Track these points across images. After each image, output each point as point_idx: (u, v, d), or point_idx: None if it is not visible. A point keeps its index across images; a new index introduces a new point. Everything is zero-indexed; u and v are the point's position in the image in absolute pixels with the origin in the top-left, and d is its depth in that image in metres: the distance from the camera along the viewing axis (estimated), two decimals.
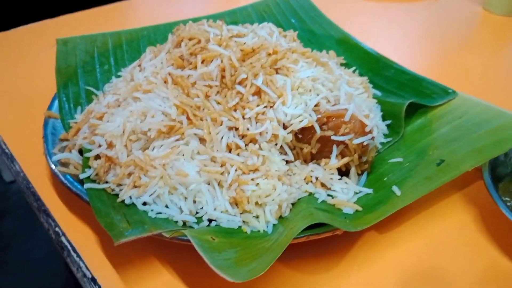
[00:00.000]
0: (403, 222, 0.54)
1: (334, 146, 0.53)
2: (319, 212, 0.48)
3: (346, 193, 0.52)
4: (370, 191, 0.53)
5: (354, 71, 0.72)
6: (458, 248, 0.52)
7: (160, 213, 0.50)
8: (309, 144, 0.54)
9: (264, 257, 0.41)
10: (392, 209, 0.49)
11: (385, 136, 0.62)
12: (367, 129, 0.53)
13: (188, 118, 0.55)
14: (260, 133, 0.53)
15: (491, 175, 0.54)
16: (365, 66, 0.75)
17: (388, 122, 0.63)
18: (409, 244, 0.52)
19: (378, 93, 0.69)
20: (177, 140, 0.54)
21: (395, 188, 0.52)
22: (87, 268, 0.47)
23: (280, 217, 0.50)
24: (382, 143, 0.61)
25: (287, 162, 0.54)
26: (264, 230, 0.48)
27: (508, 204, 0.53)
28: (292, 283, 0.47)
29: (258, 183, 0.50)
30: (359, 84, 0.65)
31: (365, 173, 0.56)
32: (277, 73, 0.58)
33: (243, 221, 0.50)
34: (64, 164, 0.56)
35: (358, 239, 0.51)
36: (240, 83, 0.56)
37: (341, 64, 0.73)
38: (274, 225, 0.49)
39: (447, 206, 0.56)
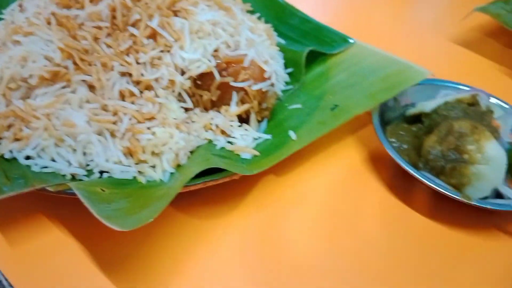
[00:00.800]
0: (300, 165, 0.56)
1: (234, 93, 0.53)
2: (216, 158, 0.48)
3: (246, 140, 0.52)
4: (269, 136, 0.54)
5: (259, 18, 0.71)
6: (350, 186, 0.56)
7: (46, 167, 0.46)
8: (209, 91, 0.53)
9: (156, 204, 0.41)
10: (287, 153, 0.51)
11: (287, 83, 0.63)
12: (266, 75, 0.53)
13: (74, 63, 0.50)
14: (156, 79, 0.50)
15: (380, 119, 0.58)
16: (271, 14, 0.74)
17: (290, 70, 0.64)
18: (306, 185, 0.55)
19: (282, 41, 0.69)
20: (63, 87, 0.49)
21: (291, 133, 0.53)
22: None
23: (178, 165, 0.49)
24: (283, 91, 0.62)
25: (186, 110, 0.53)
26: (160, 179, 0.47)
27: (394, 145, 0.58)
28: (190, 229, 0.48)
29: (154, 132, 0.48)
30: (263, 31, 0.64)
31: (265, 119, 0.57)
32: (175, 15, 0.55)
33: (139, 172, 0.48)
34: None
35: (256, 183, 0.53)
36: (133, 25, 0.52)
37: (247, 11, 0.71)
38: (171, 173, 0.48)
39: (341, 148, 0.60)
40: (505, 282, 0.48)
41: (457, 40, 0.86)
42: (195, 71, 0.51)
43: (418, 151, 0.56)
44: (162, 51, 0.51)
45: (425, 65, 0.66)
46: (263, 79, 0.53)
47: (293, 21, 0.73)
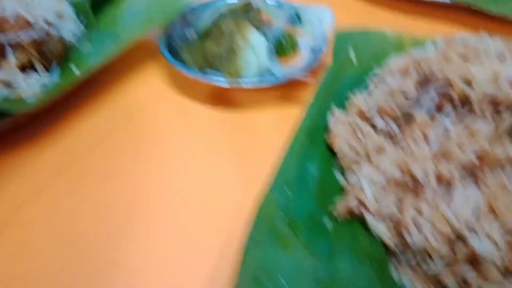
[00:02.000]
0: (101, 97, 0.60)
1: (8, 48, 0.55)
2: None
3: (32, 86, 0.55)
4: (57, 79, 0.57)
5: None
6: (160, 105, 0.61)
7: None
8: None
9: None
10: (69, 86, 0.55)
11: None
12: (33, 25, 0.56)
13: None
14: None
15: (169, 42, 0.63)
16: None
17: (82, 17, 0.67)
18: (107, 114, 0.59)
19: None
20: None
21: (73, 68, 0.57)
22: None
23: None
24: (79, 36, 0.65)
25: None
26: None
27: (189, 59, 0.63)
28: None
29: None
30: None
31: (57, 65, 0.60)
32: None
33: None
34: None
35: (58, 122, 0.57)
36: None
37: None
38: None
39: (143, 74, 0.65)
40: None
41: None
42: None
43: (206, 59, 0.63)
44: None
45: None
46: (31, 29, 0.56)
47: None
